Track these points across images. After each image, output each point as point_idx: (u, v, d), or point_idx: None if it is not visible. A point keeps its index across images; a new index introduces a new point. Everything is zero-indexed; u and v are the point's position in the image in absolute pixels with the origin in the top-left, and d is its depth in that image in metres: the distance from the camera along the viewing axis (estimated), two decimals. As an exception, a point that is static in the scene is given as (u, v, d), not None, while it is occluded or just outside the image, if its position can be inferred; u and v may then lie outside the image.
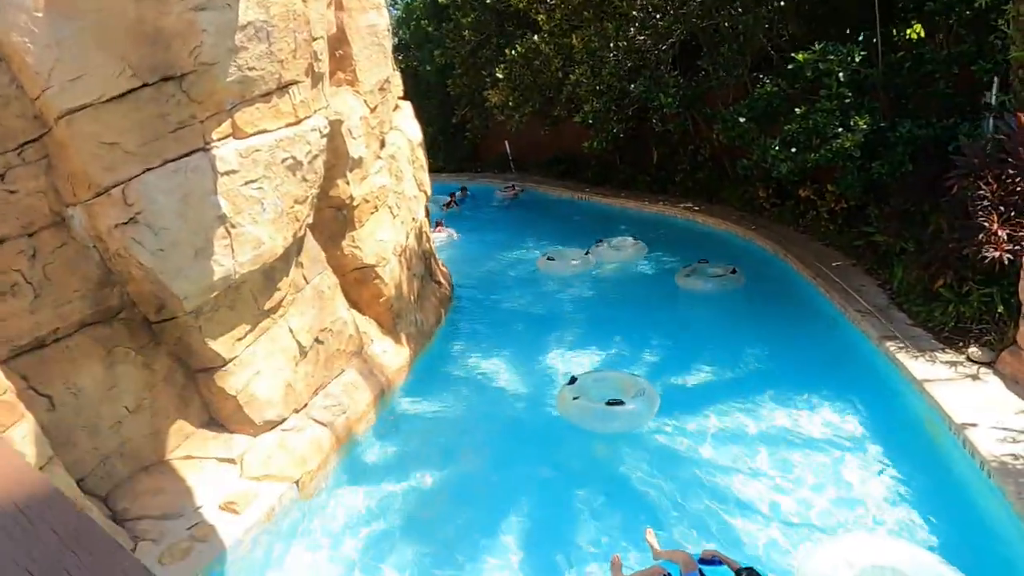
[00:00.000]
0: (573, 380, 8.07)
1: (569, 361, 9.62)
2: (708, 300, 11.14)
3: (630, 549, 5.80)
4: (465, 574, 5.78)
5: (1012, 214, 7.69)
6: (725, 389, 8.36)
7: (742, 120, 11.12)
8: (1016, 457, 5.90)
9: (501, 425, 8.19)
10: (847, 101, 9.74)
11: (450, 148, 24.72)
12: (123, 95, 5.50)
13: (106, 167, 5.50)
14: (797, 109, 10.19)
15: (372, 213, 9.03)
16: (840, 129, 9.60)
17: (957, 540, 5.64)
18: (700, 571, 4.66)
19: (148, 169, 5.67)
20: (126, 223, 5.56)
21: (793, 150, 10.20)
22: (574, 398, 7.68)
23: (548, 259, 13.36)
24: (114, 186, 5.55)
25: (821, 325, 9.88)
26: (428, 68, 23.65)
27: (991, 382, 7.21)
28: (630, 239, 13.92)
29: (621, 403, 7.42)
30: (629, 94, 13.82)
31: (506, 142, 22.91)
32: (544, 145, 21.65)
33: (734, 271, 11.47)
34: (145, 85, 5.60)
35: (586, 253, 13.47)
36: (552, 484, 6.88)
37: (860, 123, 9.35)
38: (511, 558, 5.91)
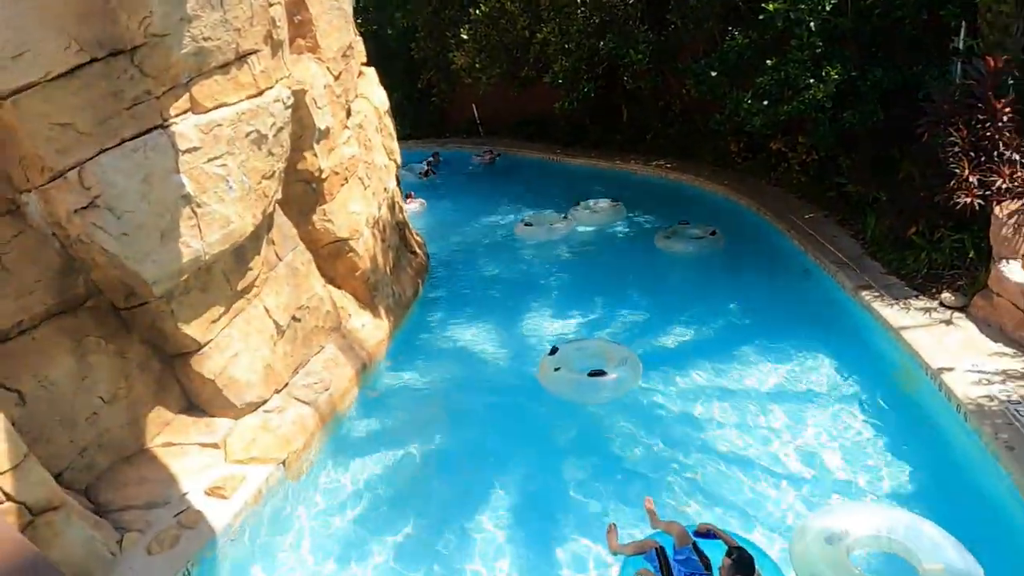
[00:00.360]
0: (554, 350, 7.97)
1: (551, 327, 9.59)
2: (688, 261, 11.11)
3: (622, 512, 5.85)
4: (457, 546, 5.78)
5: (982, 159, 7.77)
6: (707, 348, 8.41)
7: (713, 74, 11.00)
8: (991, 399, 6.06)
9: (486, 394, 8.15)
10: (818, 51, 9.67)
11: (417, 114, 24.16)
12: (71, 72, 5.19)
13: (59, 149, 5.22)
14: (768, 61, 10.10)
15: (342, 185, 8.79)
16: (812, 80, 9.54)
17: (935, 482, 5.81)
18: (694, 544, 4.67)
19: (104, 150, 5.40)
20: (86, 208, 5.31)
21: (765, 103, 10.15)
22: (555, 369, 7.58)
23: (526, 224, 13.18)
24: (69, 169, 5.27)
25: (797, 278, 9.99)
26: (389, 31, 22.96)
27: (964, 326, 7.36)
28: (608, 201, 13.78)
29: (603, 373, 7.35)
30: (598, 51, 13.55)
31: (474, 106, 22.47)
32: (512, 107, 21.27)
33: (714, 232, 11.44)
34: (94, 60, 5.29)
35: (564, 217, 13.33)
36: (541, 453, 6.88)
37: (832, 73, 9.30)
38: (504, 529, 5.92)
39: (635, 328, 9.28)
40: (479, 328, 9.85)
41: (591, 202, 13.74)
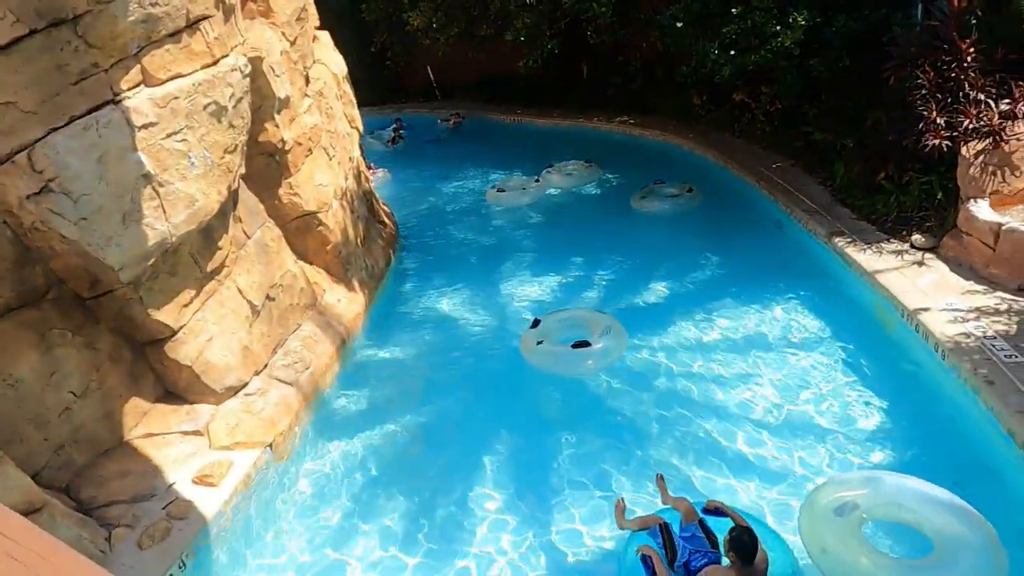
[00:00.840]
0: (536, 323, 7.78)
1: (528, 292, 9.49)
2: (664, 220, 10.91)
3: (616, 480, 5.83)
4: (453, 522, 5.73)
5: (949, 100, 7.84)
6: (688, 305, 8.38)
7: (679, 25, 10.81)
8: (968, 336, 6.21)
9: (468, 364, 8.06)
10: (783, -3, 9.59)
11: (371, 80, 23.36)
12: (9, 46, 4.78)
13: (3, 131, 4.84)
14: (734, 10, 9.96)
15: (307, 156, 8.46)
16: (778, 27, 9.46)
17: (918, 421, 5.98)
18: (701, 521, 4.55)
19: (53, 129, 5.02)
20: (39, 193, 4.96)
21: (732, 52, 10.04)
22: (538, 343, 7.39)
23: (498, 191, 12.82)
24: (16, 152, 4.90)
25: (770, 229, 10.06)
26: (336, -7, 22.01)
27: (936, 266, 7.52)
28: (580, 162, 13.46)
29: (587, 344, 7.20)
30: (560, 6, 13.20)
31: (428, 69, 21.85)
32: (469, 68, 20.70)
33: (691, 190, 11.27)
34: (33, 32, 4.87)
35: (536, 181, 12.99)
36: (531, 424, 6.81)
37: (798, 19, 9.22)
38: (499, 502, 5.86)
39: (614, 290, 9.23)
40: (455, 296, 9.73)
41: (563, 164, 13.42)
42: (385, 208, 12.30)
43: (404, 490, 6.16)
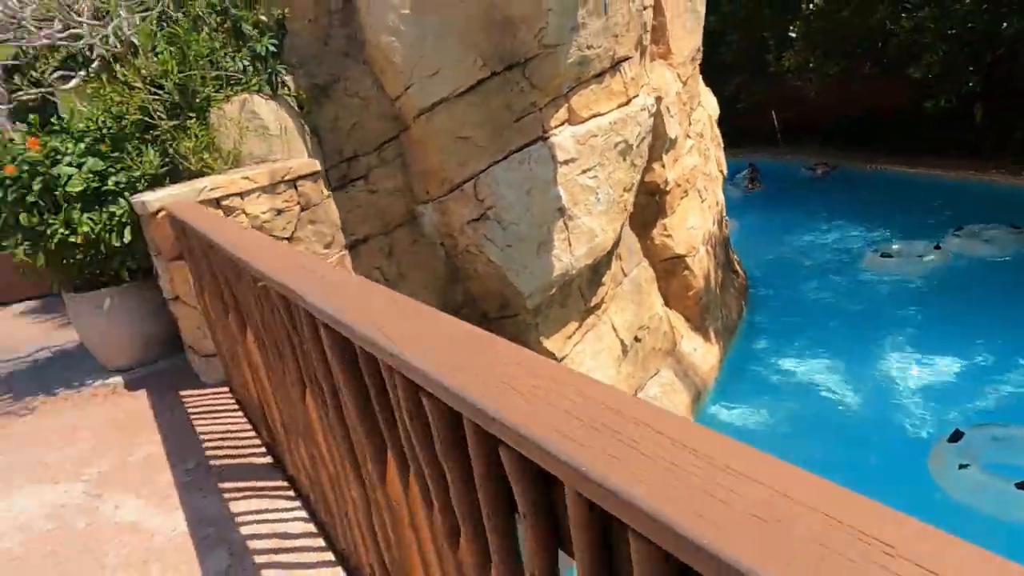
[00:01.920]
0: (957, 435, 6.18)
1: (916, 379, 7.78)
2: None
3: None
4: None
5: None
6: None
7: None
8: None
9: (842, 453, 6.79)
10: None
11: (722, 121, 22.80)
12: (474, 87, 5.34)
13: (459, 163, 5.41)
14: None
15: (682, 198, 8.23)
16: None
17: None
18: None
19: (495, 162, 5.49)
20: (477, 219, 5.44)
21: None
22: (961, 466, 5.84)
23: (881, 255, 10.84)
24: (466, 181, 5.45)
25: None
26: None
27: None
28: (1004, 228, 10.69)
29: None
30: (998, 34, 11.00)
31: (772, 111, 20.51)
32: (817, 111, 18.82)
33: None
34: (494, 74, 5.40)
35: (936, 247, 10.65)
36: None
37: None
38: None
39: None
40: (819, 365, 8.54)
41: (977, 227, 10.82)
42: (734, 256, 11.59)
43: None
